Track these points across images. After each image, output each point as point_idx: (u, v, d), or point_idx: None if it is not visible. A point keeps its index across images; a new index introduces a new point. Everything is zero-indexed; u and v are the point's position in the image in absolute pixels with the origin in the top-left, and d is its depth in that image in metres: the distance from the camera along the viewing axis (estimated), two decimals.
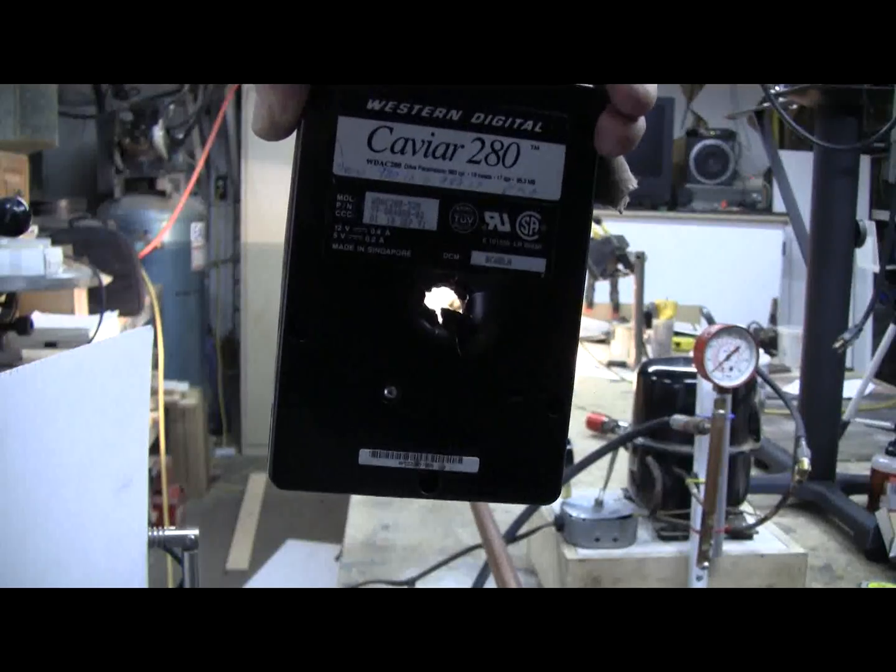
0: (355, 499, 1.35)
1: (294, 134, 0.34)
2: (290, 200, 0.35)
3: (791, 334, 2.37)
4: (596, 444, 1.09)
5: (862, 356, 3.30)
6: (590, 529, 0.94)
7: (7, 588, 0.52)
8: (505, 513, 1.18)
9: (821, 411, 1.32)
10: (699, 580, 0.91)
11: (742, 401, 0.97)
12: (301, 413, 0.34)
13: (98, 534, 0.64)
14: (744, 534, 0.98)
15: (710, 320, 2.38)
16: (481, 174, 0.34)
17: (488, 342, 0.35)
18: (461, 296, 0.35)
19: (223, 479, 4.22)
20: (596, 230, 2.35)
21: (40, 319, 2.07)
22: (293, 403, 0.34)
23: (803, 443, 0.92)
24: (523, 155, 0.35)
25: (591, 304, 2.45)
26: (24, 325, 1.69)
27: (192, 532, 0.75)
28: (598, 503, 0.97)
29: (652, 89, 0.32)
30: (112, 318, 2.38)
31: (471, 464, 0.36)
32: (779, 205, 4.04)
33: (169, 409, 3.42)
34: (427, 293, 0.35)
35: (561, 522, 0.95)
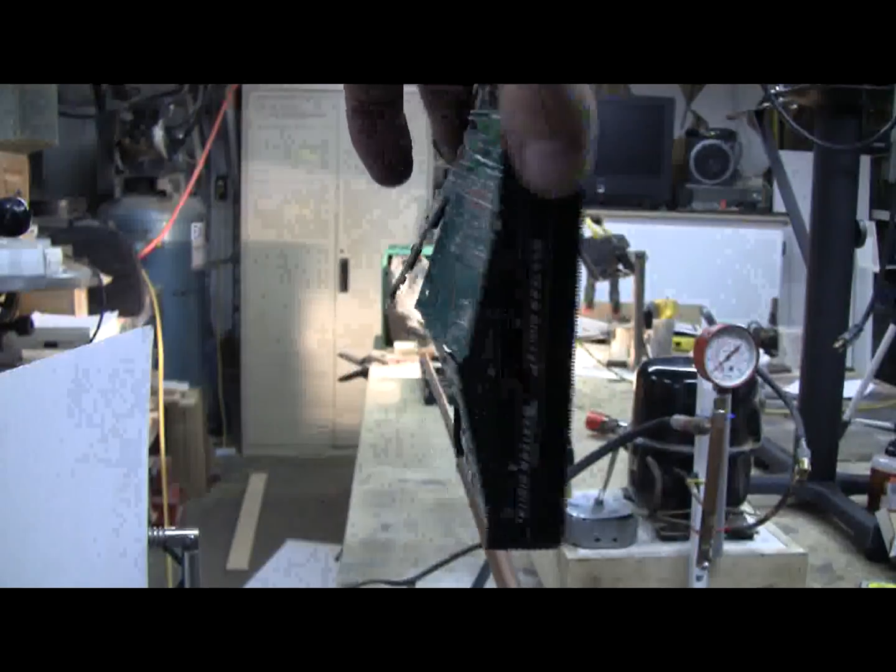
0: (355, 499, 1.35)
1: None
2: (564, 261, 0.31)
3: (791, 334, 2.37)
4: (596, 444, 1.09)
5: (862, 356, 3.30)
6: (590, 529, 0.94)
7: (7, 588, 0.52)
8: None
9: (821, 411, 1.32)
10: (699, 580, 0.91)
11: (742, 401, 0.97)
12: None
13: (98, 534, 0.64)
14: (744, 534, 0.97)
15: (711, 320, 2.38)
16: None
17: None
18: None
19: (223, 479, 4.22)
20: (596, 230, 2.35)
21: (40, 319, 2.07)
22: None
23: (803, 443, 0.92)
24: None
25: (591, 304, 2.45)
26: (24, 325, 1.69)
27: (192, 532, 0.75)
28: (598, 503, 0.97)
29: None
30: (112, 318, 2.38)
31: None
32: (779, 205, 4.05)
33: (169, 409, 3.42)
34: None
35: None
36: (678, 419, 0.91)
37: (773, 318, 3.42)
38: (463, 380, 0.32)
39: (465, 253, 0.33)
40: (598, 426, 1.65)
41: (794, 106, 1.36)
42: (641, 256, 2.25)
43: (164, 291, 3.82)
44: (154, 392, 2.87)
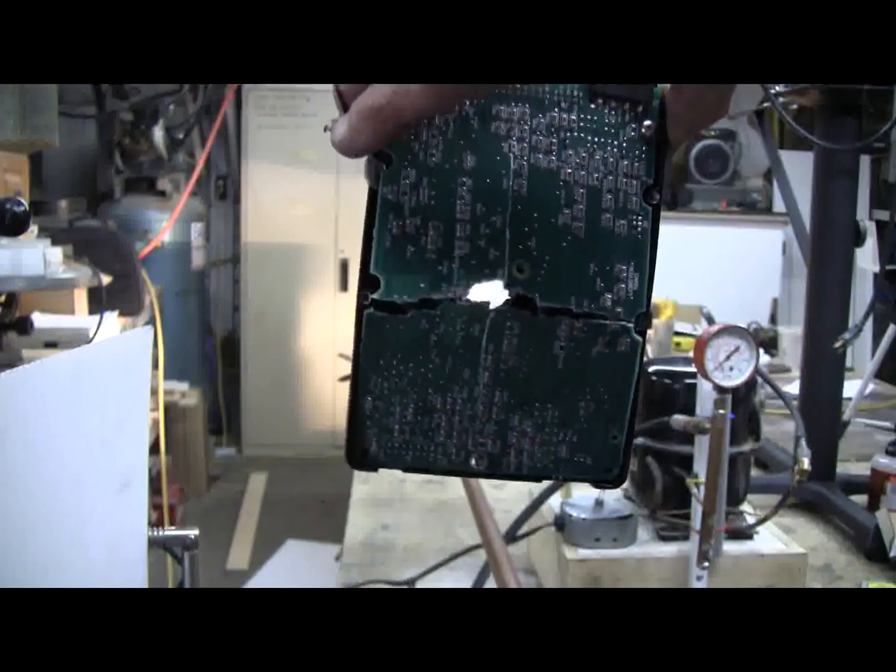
0: (355, 499, 1.35)
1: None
2: None
3: (791, 334, 2.36)
4: None
5: (862, 356, 3.30)
6: (590, 529, 0.94)
7: (7, 588, 0.52)
8: (505, 513, 1.18)
9: (821, 411, 1.32)
10: (699, 580, 0.91)
11: (742, 401, 0.97)
12: None
13: (98, 534, 0.64)
14: (744, 534, 0.97)
15: (710, 320, 2.38)
16: None
17: None
18: None
19: (223, 479, 4.22)
20: None
21: (40, 319, 2.07)
22: None
23: (803, 443, 0.92)
24: None
25: None
26: (24, 325, 1.69)
27: (192, 532, 0.75)
28: (598, 503, 0.97)
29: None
30: (112, 318, 2.38)
31: None
32: (779, 205, 4.04)
33: (169, 409, 3.42)
34: None
35: (561, 522, 0.95)
36: (678, 419, 0.91)
37: (773, 318, 3.42)
38: (638, 337, 0.38)
39: (603, 226, 0.36)
40: None
41: (794, 106, 1.35)
42: None
43: (164, 291, 3.82)
44: (154, 392, 2.87)
